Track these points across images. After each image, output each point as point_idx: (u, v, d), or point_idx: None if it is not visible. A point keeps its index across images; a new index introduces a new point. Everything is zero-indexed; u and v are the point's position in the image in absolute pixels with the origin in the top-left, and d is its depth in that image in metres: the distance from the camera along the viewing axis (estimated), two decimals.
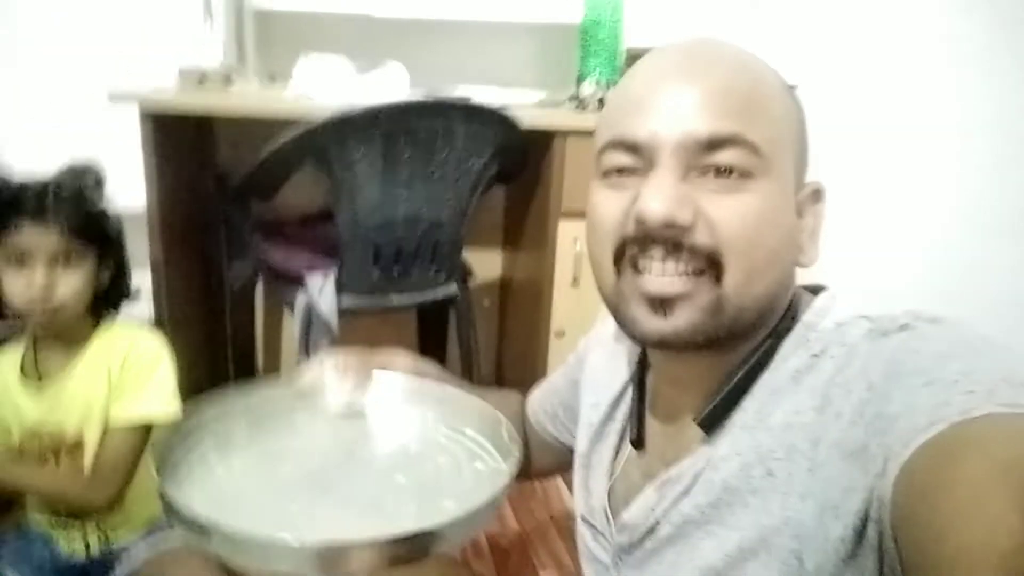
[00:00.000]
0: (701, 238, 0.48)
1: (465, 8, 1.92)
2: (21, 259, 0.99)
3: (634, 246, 0.50)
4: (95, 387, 1.06)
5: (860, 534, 0.41)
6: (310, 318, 1.48)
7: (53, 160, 1.06)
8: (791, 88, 0.53)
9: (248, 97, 1.63)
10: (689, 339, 0.50)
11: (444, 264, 1.56)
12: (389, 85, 1.62)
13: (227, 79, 1.70)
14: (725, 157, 0.48)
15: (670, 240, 0.48)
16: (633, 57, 1.83)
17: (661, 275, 0.49)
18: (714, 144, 0.47)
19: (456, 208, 1.49)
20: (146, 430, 1.06)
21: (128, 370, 1.07)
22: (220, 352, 1.87)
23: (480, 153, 1.44)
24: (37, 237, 0.99)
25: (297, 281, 1.49)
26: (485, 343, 1.98)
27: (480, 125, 1.40)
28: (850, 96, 1.37)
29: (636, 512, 0.58)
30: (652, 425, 0.61)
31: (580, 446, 0.69)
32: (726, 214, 0.48)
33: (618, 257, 0.51)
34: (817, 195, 0.54)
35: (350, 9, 1.88)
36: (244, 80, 1.76)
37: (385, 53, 1.76)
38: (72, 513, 1.08)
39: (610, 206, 0.52)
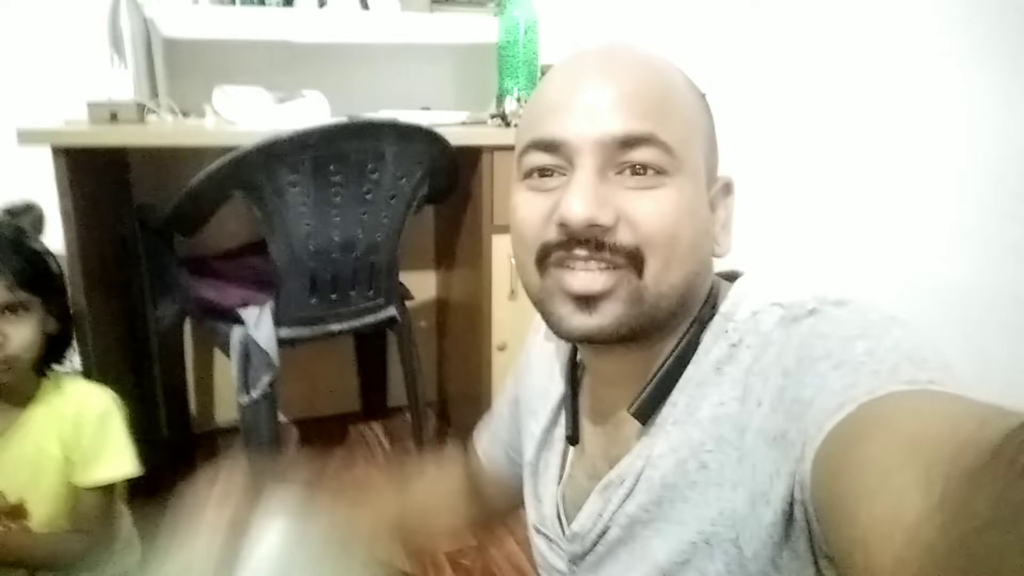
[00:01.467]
0: (623, 237, 0.49)
1: (382, 31, 1.93)
2: None
3: (558, 249, 0.51)
4: (44, 446, 1.01)
5: (789, 517, 0.42)
6: (248, 353, 1.43)
7: None
8: (699, 90, 0.57)
9: (165, 130, 1.58)
10: (613, 333, 0.51)
11: (381, 287, 1.55)
12: (310, 114, 1.61)
13: (140, 113, 1.65)
14: (640, 156, 0.50)
15: (593, 240, 0.49)
16: None
17: (585, 272, 0.50)
18: (629, 143, 0.49)
19: (390, 229, 1.48)
20: (113, 487, 1.07)
21: (84, 431, 1.04)
22: (151, 396, 1.79)
23: (411, 173, 1.45)
24: None
25: (231, 316, 1.45)
26: (426, 363, 1.98)
27: (410, 144, 1.40)
28: (845, 97, 1.39)
29: (584, 520, 0.59)
30: (589, 424, 0.62)
31: (527, 455, 0.69)
32: (645, 211, 0.49)
33: (541, 259, 0.52)
34: (727, 188, 0.57)
35: (265, 35, 1.86)
36: (158, 113, 1.70)
37: (302, 81, 1.75)
38: None
39: (532, 209, 0.53)
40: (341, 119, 1.37)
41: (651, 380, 0.54)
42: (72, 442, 1.03)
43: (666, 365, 0.54)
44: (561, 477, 0.64)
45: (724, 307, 0.54)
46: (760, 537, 0.44)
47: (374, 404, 2.18)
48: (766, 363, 0.47)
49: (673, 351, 0.54)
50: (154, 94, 1.77)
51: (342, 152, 1.31)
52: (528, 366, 0.73)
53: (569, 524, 0.61)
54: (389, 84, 2.03)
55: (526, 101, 1.84)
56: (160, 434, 1.81)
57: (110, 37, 1.71)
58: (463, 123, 1.70)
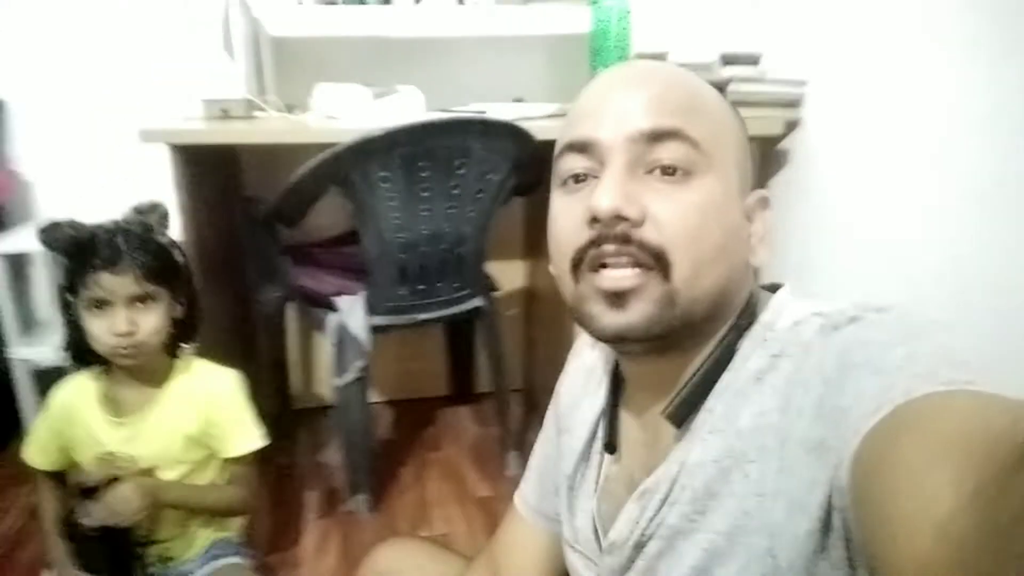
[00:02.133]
0: (649, 235, 0.50)
1: (476, 25, 1.96)
2: (101, 304, 1.04)
3: (591, 248, 0.52)
4: (176, 421, 1.12)
5: (827, 525, 0.42)
6: (342, 339, 1.52)
7: (89, 200, 1.10)
8: (730, 105, 0.58)
9: (271, 126, 1.68)
10: (644, 332, 0.52)
11: (468, 278, 1.59)
12: (406, 108, 1.66)
13: (249, 110, 1.75)
14: (668, 151, 0.51)
15: (620, 235, 0.51)
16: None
17: (615, 270, 0.51)
18: (657, 136, 0.51)
19: (477, 223, 1.52)
20: (253, 456, 1.18)
21: (219, 409, 1.14)
22: (255, 377, 1.91)
23: (497, 167, 1.48)
24: (115, 281, 1.03)
25: (327, 303, 1.53)
26: (512, 351, 2.01)
27: (495, 140, 1.43)
28: (855, 93, 1.37)
29: (621, 527, 0.59)
30: (629, 434, 0.63)
31: (566, 470, 0.69)
32: (671, 211, 0.51)
33: (576, 264, 0.54)
34: (764, 202, 0.57)
35: (364, 32, 1.93)
36: (265, 109, 1.80)
37: (399, 76, 1.80)
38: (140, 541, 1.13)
39: (567, 216, 0.55)
40: (430, 116, 1.41)
41: (686, 384, 0.55)
42: (207, 419, 1.13)
43: (702, 369, 0.54)
44: (597, 490, 0.64)
45: (765, 316, 0.54)
46: (796, 547, 0.44)
47: (463, 389, 2.24)
48: (807, 372, 0.47)
49: (710, 356, 0.54)
50: (262, 91, 1.87)
51: (430, 148, 1.36)
52: (566, 390, 0.73)
53: (605, 536, 0.61)
54: (483, 76, 2.05)
55: None
56: (263, 410, 1.94)
57: (223, 37, 1.83)
58: (552, 115, 1.70)
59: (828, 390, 0.44)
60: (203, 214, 1.56)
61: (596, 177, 0.53)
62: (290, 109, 1.87)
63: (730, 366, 0.53)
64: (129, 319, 1.04)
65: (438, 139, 1.36)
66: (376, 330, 1.53)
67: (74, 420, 1.12)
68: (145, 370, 1.11)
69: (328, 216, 1.83)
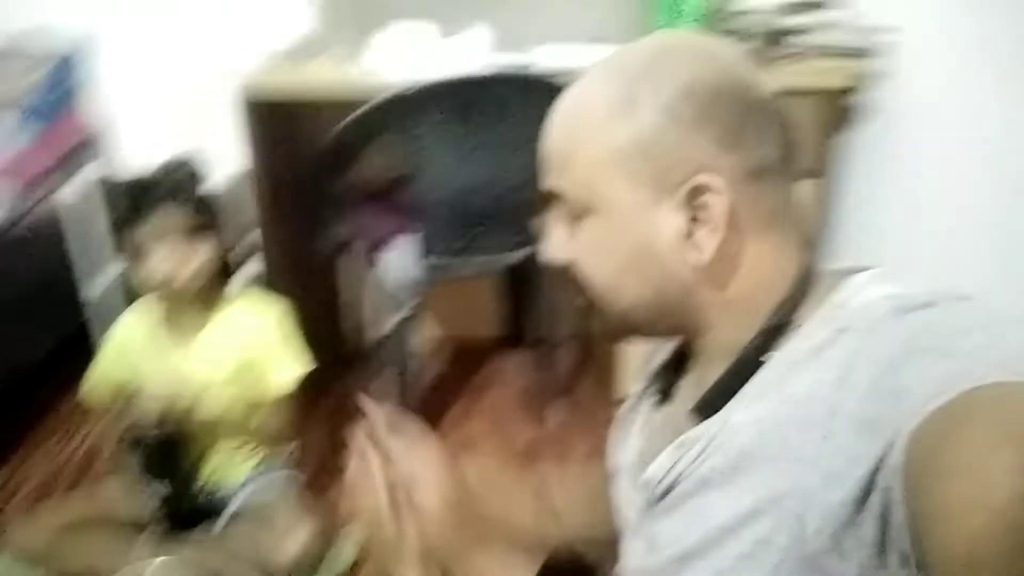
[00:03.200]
0: (576, 273, 0.60)
1: None
2: (156, 239, 1.13)
3: None
4: (224, 347, 1.21)
5: (862, 502, 0.43)
6: (395, 279, 1.57)
7: (165, 140, 1.18)
8: (635, 102, 0.53)
9: (340, 70, 1.70)
10: (608, 335, 0.70)
11: (522, 226, 1.60)
12: (471, 49, 1.65)
13: (320, 50, 1.78)
14: (560, 206, 0.59)
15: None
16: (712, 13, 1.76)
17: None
18: (552, 196, 0.59)
19: (530, 172, 1.51)
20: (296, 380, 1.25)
21: (266, 335, 1.23)
22: (314, 314, 2.01)
23: (544, 119, 1.46)
24: (168, 220, 1.12)
25: (382, 245, 1.59)
26: (566, 300, 2.02)
27: (535, 95, 1.41)
28: (952, 45, 1.26)
29: (655, 470, 0.62)
30: (686, 384, 0.65)
31: (625, 406, 0.74)
32: (575, 254, 0.59)
33: None
34: (696, 192, 0.53)
35: None
36: (337, 53, 1.82)
37: (475, 13, 1.77)
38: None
39: None
40: (491, 60, 1.41)
41: (715, 390, 0.57)
42: (252, 345, 1.22)
43: (732, 367, 0.56)
44: (646, 429, 0.68)
45: (837, 297, 0.53)
46: (825, 515, 0.45)
47: (517, 333, 2.28)
48: (869, 350, 0.47)
49: (742, 356, 0.55)
50: (337, 31, 1.89)
51: (477, 100, 1.37)
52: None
53: (640, 475, 0.65)
54: (559, 14, 1.98)
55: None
56: (324, 344, 2.04)
57: None
58: None
59: (888, 370, 0.44)
60: (271, 156, 1.63)
61: None
62: (359, 53, 1.90)
63: (791, 342, 0.53)
64: (174, 258, 1.12)
65: (487, 91, 1.38)
66: (430, 273, 1.58)
67: (135, 347, 1.23)
68: (194, 301, 1.20)
69: (388, 159, 1.87)
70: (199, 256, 1.16)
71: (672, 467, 0.59)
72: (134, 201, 1.12)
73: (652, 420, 0.68)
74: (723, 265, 0.54)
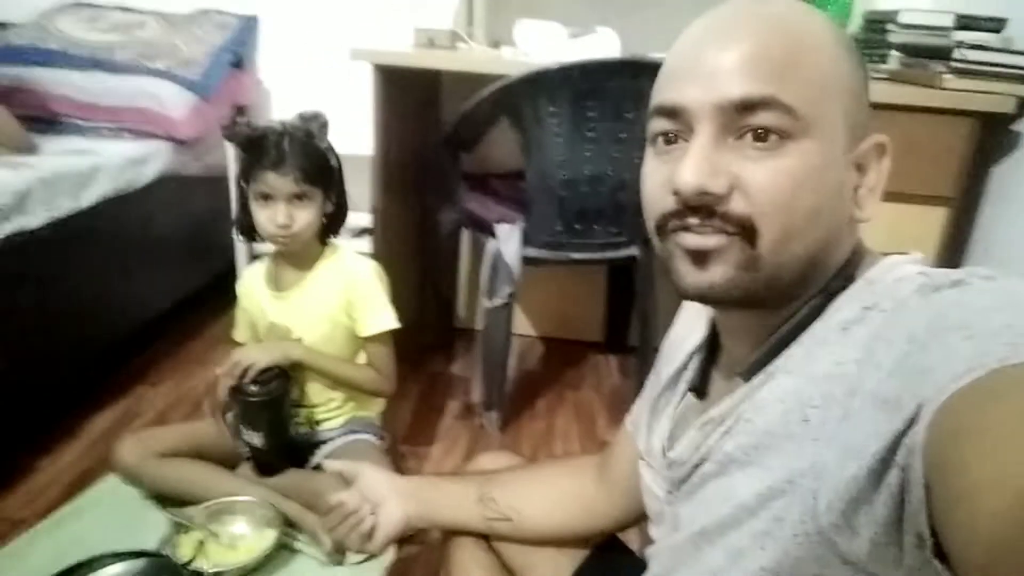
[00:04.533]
0: (735, 206, 0.50)
1: None
2: (267, 197, 1.22)
3: (674, 218, 0.52)
4: (324, 298, 1.28)
5: (877, 478, 0.41)
6: (496, 264, 1.60)
7: (304, 106, 1.28)
8: (847, 45, 0.53)
9: (469, 57, 1.77)
10: (724, 293, 0.52)
11: (626, 225, 1.59)
12: (600, 49, 1.66)
13: (454, 40, 1.86)
14: (759, 119, 0.49)
15: (704, 208, 0.50)
16: (872, 21, 1.68)
17: (699, 233, 0.52)
18: (747, 106, 0.49)
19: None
20: (389, 335, 1.30)
21: (359, 289, 1.28)
22: (427, 290, 2.09)
23: None
24: (278, 180, 1.21)
25: (489, 229, 1.63)
26: (669, 308, 1.98)
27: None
28: None
29: (682, 449, 0.62)
30: (716, 378, 0.64)
31: (651, 392, 0.73)
32: (761, 180, 0.49)
33: (661, 226, 0.54)
34: (881, 149, 0.54)
35: None
36: (468, 42, 1.91)
37: (602, 18, 1.80)
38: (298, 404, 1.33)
39: (654, 179, 0.55)
40: (608, 56, 1.41)
41: (766, 348, 0.55)
42: (348, 298, 1.29)
43: (782, 331, 0.54)
44: (675, 415, 0.67)
45: (871, 273, 0.53)
46: (837, 489, 0.44)
47: (616, 339, 2.26)
48: (895, 328, 0.46)
49: (794, 316, 0.54)
50: (469, 24, 1.98)
51: (601, 89, 1.37)
52: (681, 321, 0.75)
53: (666, 455, 0.65)
54: (685, 20, 1.97)
55: None
56: (427, 321, 2.12)
57: None
58: None
59: (914, 348, 0.43)
60: (397, 132, 1.71)
61: (685, 140, 0.52)
62: (494, 44, 1.96)
63: (820, 317, 0.53)
64: (287, 213, 1.20)
65: (610, 80, 1.37)
66: (530, 262, 1.60)
67: (251, 297, 1.33)
68: (300, 255, 1.28)
69: (507, 147, 1.92)
70: (308, 213, 1.24)
71: (698, 447, 0.59)
72: (257, 156, 1.22)
73: (682, 405, 0.67)
74: (855, 229, 0.54)
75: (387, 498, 0.91)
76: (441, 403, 1.88)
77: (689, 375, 0.67)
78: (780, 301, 0.54)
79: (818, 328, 0.52)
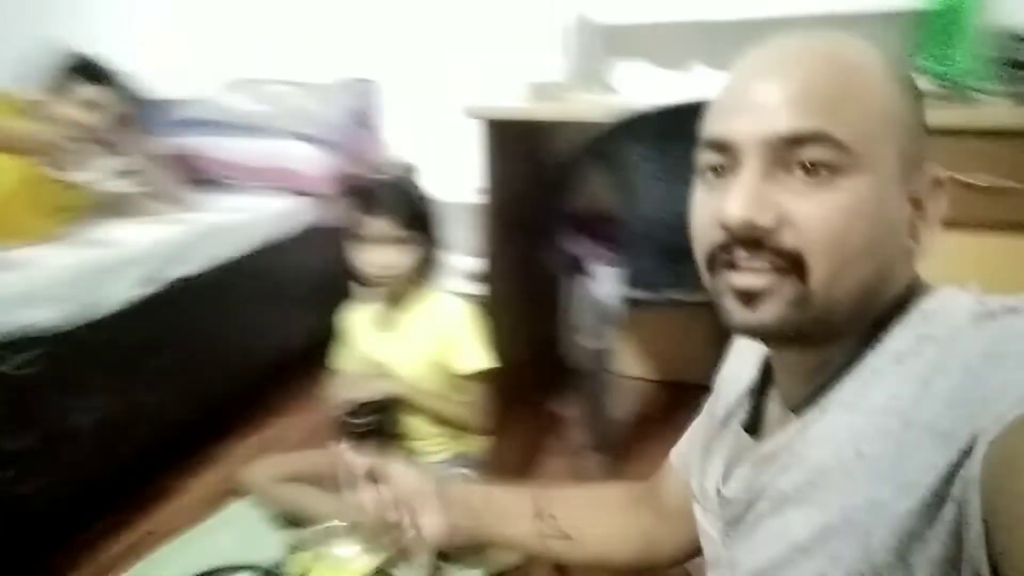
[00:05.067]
0: (784, 240, 0.49)
1: (791, 4, 1.84)
2: (366, 241, 1.34)
3: (722, 252, 0.52)
4: (420, 338, 1.38)
5: (933, 513, 0.41)
6: (595, 305, 1.63)
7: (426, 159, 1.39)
8: (905, 80, 0.52)
9: (575, 107, 1.83)
10: (776, 331, 0.52)
11: None
12: (699, 91, 1.66)
13: (566, 90, 1.93)
14: (809, 154, 0.48)
15: (751, 241, 0.50)
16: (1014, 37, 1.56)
17: (747, 271, 0.51)
18: (797, 141, 0.48)
19: None
20: (484, 373, 1.36)
21: (453, 331, 1.37)
22: (535, 331, 2.14)
23: None
24: (380, 226, 1.32)
25: (589, 270, 1.66)
26: None
27: None
28: None
29: (735, 487, 0.61)
30: (770, 416, 0.63)
31: (704, 433, 0.72)
32: (810, 214, 0.48)
33: (711, 260, 0.54)
34: (937, 183, 0.53)
35: (689, 16, 1.92)
36: (583, 90, 1.96)
37: (716, 62, 1.80)
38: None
39: (703, 212, 0.55)
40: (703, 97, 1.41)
41: (818, 382, 0.54)
42: (444, 338, 1.37)
43: (836, 364, 0.53)
44: (730, 459, 0.66)
45: (926, 304, 0.52)
46: (891, 526, 0.44)
47: None
48: (951, 358, 0.45)
49: (847, 351, 0.53)
50: (586, 73, 2.04)
51: (684, 131, 1.36)
52: (732, 357, 0.75)
53: (720, 495, 0.64)
54: None
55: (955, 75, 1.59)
56: (536, 360, 2.16)
57: (550, 23, 2.04)
58: None
59: (969, 378, 0.43)
60: (504, 178, 1.79)
61: (733, 174, 0.52)
62: (602, 90, 2.01)
63: (875, 348, 0.51)
64: (388, 256, 1.31)
65: (680, 125, 1.36)
66: (629, 303, 1.61)
67: (354, 333, 1.44)
68: (399, 296, 1.38)
69: (607, 189, 1.94)
70: (406, 258, 1.34)
71: (751, 484, 0.58)
72: (360, 204, 1.34)
73: (736, 445, 0.66)
74: (911, 263, 0.53)
75: (427, 504, 0.79)
76: (548, 443, 1.91)
77: (742, 415, 0.66)
78: (832, 336, 0.53)
79: (872, 360, 0.51)
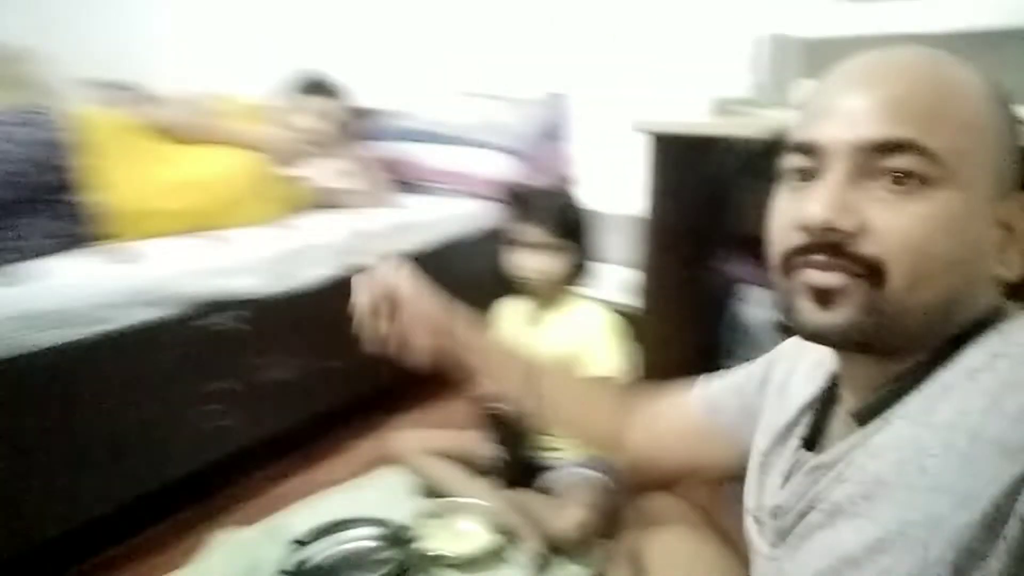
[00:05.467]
0: (864, 247, 0.49)
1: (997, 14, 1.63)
2: (519, 244, 1.44)
3: (799, 255, 0.52)
4: (562, 340, 1.46)
5: (994, 527, 0.40)
6: (744, 328, 1.58)
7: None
8: (1003, 101, 0.51)
9: (754, 122, 1.77)
10: (845, 335, 0.51)
11: None
12: None
13: (751, 106, 1.87)
14: (898, 162, 0.48)
15: (829, 246, 0.50)
16: None
17: (824, 271, 0.51)
18: (886, 148, 0.48)
19: None
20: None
21: (592, 337, 1.44)
22: (687, 348, 2.09)
23: None
24: (536, 232, 1.42)
25: (744, 292, 1.61)
26: None
27: None
28: None
29: (787, 496, 0.60)
30: (830, 431, 0.62)
31: (761, 444, 0.70)
32: (893, 223, 0.48)
33: (786, 264, 0.54)
34: None
35: (890, 30, 1.81)
36: (769, 107, 1.89)
37: None
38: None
39: (783, 215, 0.55)
40: None
41: (883, 392, 0.53)
42: (582, 342, 1.43)
43: (904, 375, 0.52)
44: (789, 474, 0.65)
45: (1004, 325, 0.50)
46: (949, 539, 0.43)
47: None
48: (1020, 374, 0.45)
49: (917, 366, 0.52)
50: (772, 90, 1.97)
51: None
52: (790, 356, 0.73)
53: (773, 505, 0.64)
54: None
55: None
56: (682, 372, 2.10)
57: (747, 40, 2.00)
58: None
59: None
60: (669, 195, 1.80)
61: (819, 178, 0.52)
62: (789, 107, 1.92)
63: (947, 365, 0.50)
64: (540, 260, 1.39)
65: None
66: (783, 331, 1.53)
67: (505, 325, 1.55)
68: (547, 298, 1.46)
69: (759, 207, 1.85)
70: (556, 264, 1.42)
71: (805, 493, 0.58)
72: (517, 211, 1.44)
73: (795, 460, 0.64)
74: (996, 288, 0.53)
75: (423, 325, 0.88)
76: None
77: (801, 430, 0.65)
78: (903, 349, 0.52)
79: (944, 376, 0.50)
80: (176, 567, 1.34)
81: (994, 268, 0.51)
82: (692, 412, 0.85)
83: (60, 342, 1.22)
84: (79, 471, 1.28)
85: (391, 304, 0.88)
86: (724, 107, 1.88)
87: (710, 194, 1.78)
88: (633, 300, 1.85)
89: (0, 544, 1.19)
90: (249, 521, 1.47)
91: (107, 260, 1.38)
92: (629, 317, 1.51)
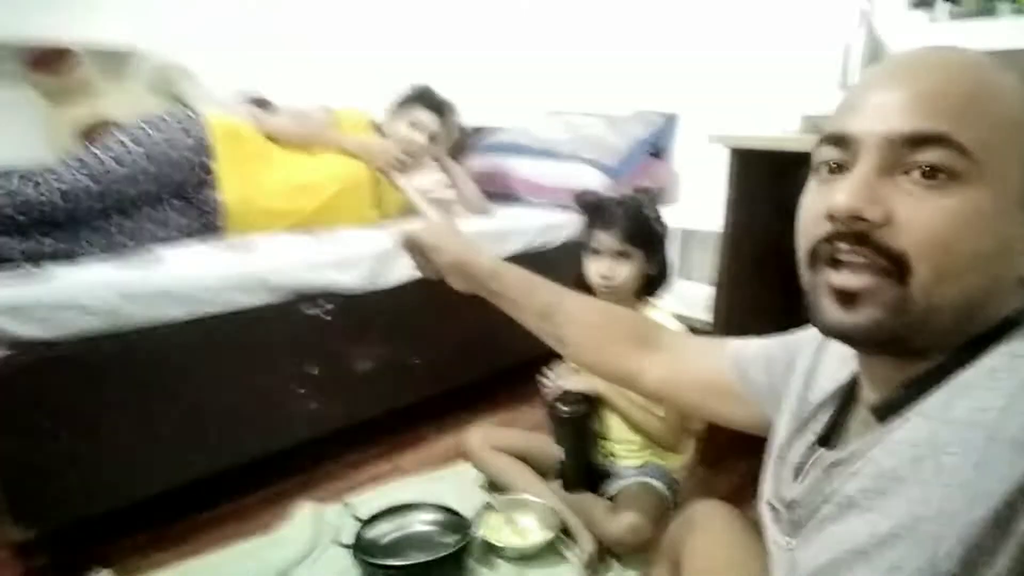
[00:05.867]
0: (889, 239, 0.49)
1: None
2: (595, 251, 1.48)
3: (825, 243, 0.52)
4: None
5: (1004, 523, 0.41)
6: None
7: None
8: None
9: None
10: (869, 335, 0.51)
11: None
12: None
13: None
14: (928, 156, 0.48)
15: (856, 235, 0.50)
16: None
17: (848, 269, 0.51)
18: (917, 142, 0.48)
19: None
20: None
21: None
22: None
23: None
24: (604, 237, 1.46)
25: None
26: None
27: None
28: None
29: (803, 490, 0.61)
30: (848, 429, 0.62)
31: (780, 436, 0.71)
32: (920, 217, 0.48)
33: (812, 255, 0.55)
34: None
35: (992, 46, 1.72)
36: None
37: None
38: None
39: (812, 206, 0.55)
40: None
41: (904, 390, 0.53)
42: None
43: (925, 374, 0.52)
44: (804, 468, 0.65)
45: None
46: (959, 535, 0.43)
47: None
48: None
49: (941, 367, 0.51)
50: None
51: None
52: (812, 346, 0.73)
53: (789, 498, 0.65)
54: None
55: None
56: None
57: (842, 56, 1.95)
58: None
59: None
60: (748, 212, 1.77)
61: (849, 170, 0.52)
62: None
63: (969, 365, 0.50)
64: (609, 266, 1.43)
65: None
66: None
67: None
68: (620, 304, 1.47)
69: None
70: (625, 271, 1.44)
71: (821, 488, 0.58)
72: (592, 218, 1.49)
73: (811, 455, 0.64)
74: (1019, 287, 0.52)
75: (436, 251, 1.07)
76: (740, 466, 1.80)
77: (817, 426, 0.66)
78: (926, 348, 0.52)
79: (964, 374, 0.49)
80: (256, 534, 1.48)
81: (1020, 269, 0.50)
82: (723, 370, 0.84)
83: (186, 318, 1.40)
84: (189, 435, 1.44)
85: (421, 251, 1.08)
86: (812, 124, 1.84)
87: (789, 211, 1.74)
88: (706, 316, 1.84)
89: (117, 494, 1.37)
90: (329, 499, 1.59)
91: (225, 250, 1.56)
92: (700, 333, 1.50)
